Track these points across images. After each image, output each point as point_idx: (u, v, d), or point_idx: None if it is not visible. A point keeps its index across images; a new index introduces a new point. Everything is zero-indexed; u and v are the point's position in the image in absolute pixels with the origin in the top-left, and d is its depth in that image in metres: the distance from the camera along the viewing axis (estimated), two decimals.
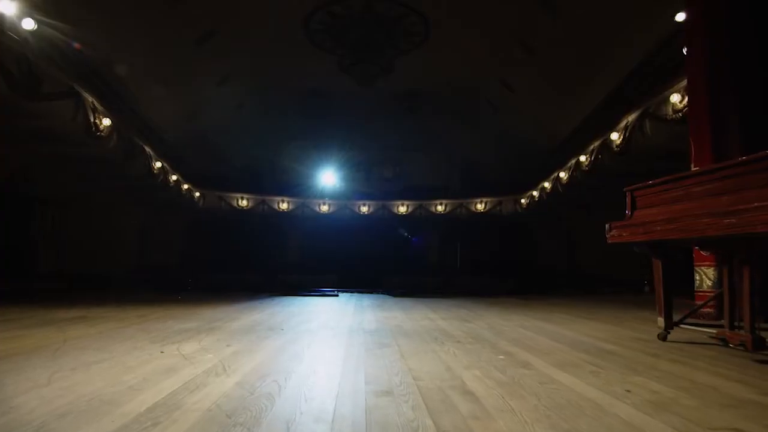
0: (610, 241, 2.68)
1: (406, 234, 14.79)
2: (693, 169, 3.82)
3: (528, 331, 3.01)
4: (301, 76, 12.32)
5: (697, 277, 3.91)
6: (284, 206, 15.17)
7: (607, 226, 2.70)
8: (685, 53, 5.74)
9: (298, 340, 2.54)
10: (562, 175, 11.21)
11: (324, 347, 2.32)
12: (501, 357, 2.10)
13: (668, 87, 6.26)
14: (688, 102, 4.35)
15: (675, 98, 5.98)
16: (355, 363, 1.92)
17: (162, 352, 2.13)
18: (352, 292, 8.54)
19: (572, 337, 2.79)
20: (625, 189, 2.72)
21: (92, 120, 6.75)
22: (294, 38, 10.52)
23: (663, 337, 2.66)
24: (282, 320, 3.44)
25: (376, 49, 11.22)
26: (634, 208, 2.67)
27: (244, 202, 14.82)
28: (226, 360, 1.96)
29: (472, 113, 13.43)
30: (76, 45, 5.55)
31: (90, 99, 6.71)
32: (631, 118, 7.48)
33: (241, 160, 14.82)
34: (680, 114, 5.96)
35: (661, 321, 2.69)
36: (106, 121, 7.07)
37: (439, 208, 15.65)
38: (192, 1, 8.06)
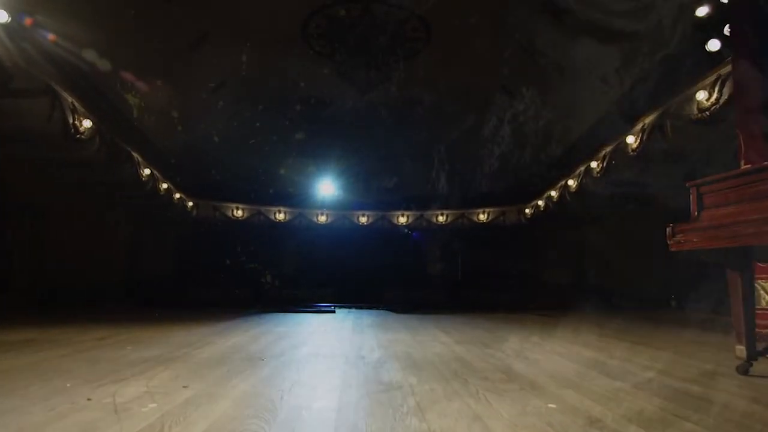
0: (672, 249, 2.14)
1: (407, 231, 14.26)
2: (744, 166, 3.32)
3: (569, 362, 2.44)
4: (299, 82, 11.99)
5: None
6: (281, 216, 14.67)
7: (668, 230, 2.17)
8: (717, 46, 5.31)
9: (278, 377, 1.97)
10: (570, 182, 10.75)
11: (310, 390, 1.76)
12: (552, 405, 1.54)
13: (692, 85, 5.82)
14: (735, 94, 3.86)
15: (701, 96, 5.53)
16: (352, 421, 1.36)
17: (89, 399, 1.56)
18: (350, 307, 7.93)
19: (628, 370, 2.22)
20: (688, 183, 2.20)
21: (71, 121, 6.26)
22: (292, 43, 10.20)
23: (744, 371, 2.10)
24: (265, 345, 2.86)
25: (376, 54, 10.91)
26: (701, 207, 2.15)
27: (240, 212, 14.31)
28: (171, 414, 1.40)
29: (474, 121, 13.08)
30: (51, 37, 5.11)
31: (69, 99, 6.23)
32: (648, 120, 7.05)
33: (237, 169, 14.36)
34: (707, 113, 5.50)
35: (740, 350, 2.13)
36: (87, 123, 6.57)
37: (441, 218, 15.17)
38: (186, 1, 7.72)
